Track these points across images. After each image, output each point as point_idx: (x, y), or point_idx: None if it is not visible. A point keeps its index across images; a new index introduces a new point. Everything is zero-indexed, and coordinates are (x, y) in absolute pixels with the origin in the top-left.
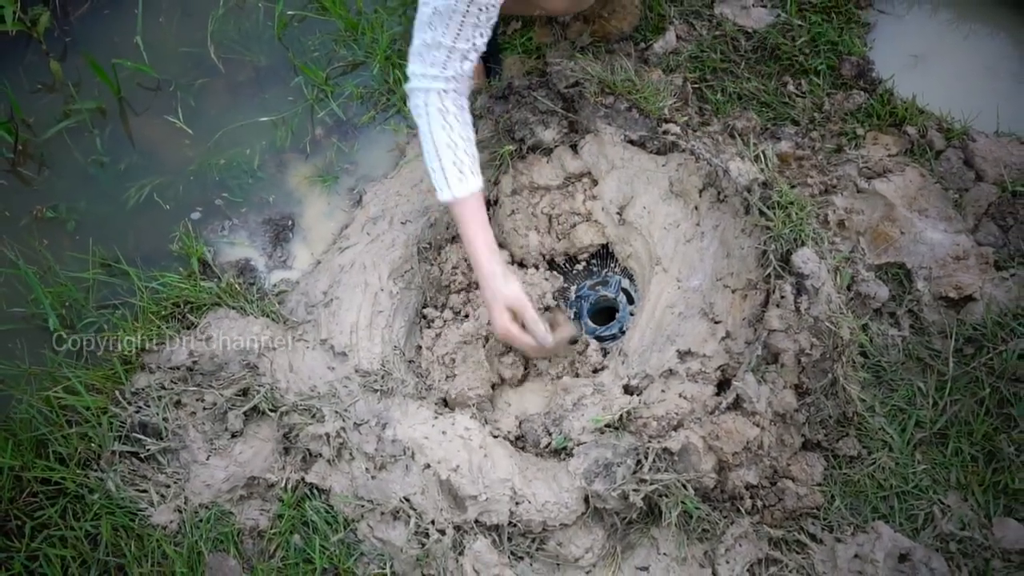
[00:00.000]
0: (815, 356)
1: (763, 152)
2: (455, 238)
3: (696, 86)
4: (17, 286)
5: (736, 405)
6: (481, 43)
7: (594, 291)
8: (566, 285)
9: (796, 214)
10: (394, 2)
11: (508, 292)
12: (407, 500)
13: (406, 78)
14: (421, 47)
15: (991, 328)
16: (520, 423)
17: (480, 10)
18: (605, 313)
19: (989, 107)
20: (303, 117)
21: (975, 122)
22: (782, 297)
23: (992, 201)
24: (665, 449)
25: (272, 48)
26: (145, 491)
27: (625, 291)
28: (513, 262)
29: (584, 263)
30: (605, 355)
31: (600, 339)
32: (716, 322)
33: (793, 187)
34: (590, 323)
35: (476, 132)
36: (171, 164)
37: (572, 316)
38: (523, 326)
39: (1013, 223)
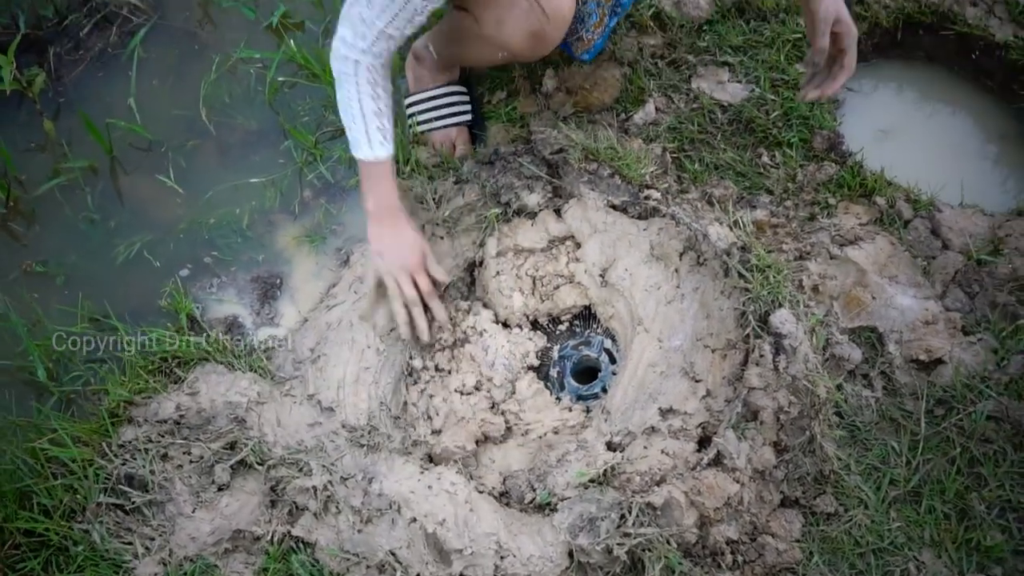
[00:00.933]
0: (793, 414)
1: (740, 218)
2: (451, 285)
3: (675, 156)
4: (5, 338)
5: (717, 461)
6: (408, 33)
7: (577, 351)
8: (549, 345)
9: (773, 277)
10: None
11: (421, 235)
12: (393, 554)
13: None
14: (356, 19)
15: (960, 390)
16: (504, 479)
17: (414, 11)
18: (587, 373)
19: (953, 181)
20: (292, 179)
21: (941, 194)
22: (761, 356)
23: (959, 268)
24: (648, 504)
25: (263, 112)
26: (130, 543)
27: (607, 351)
28: (497, 322)
29: (567, 324)
30: (588, 413)
31: (582, 398)
32: (697, 381)
33: (769, 252)
34: (573, 383)
35: (463, 195)
36: (161, 222)
37: (556, 375)
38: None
39: (979, 290)
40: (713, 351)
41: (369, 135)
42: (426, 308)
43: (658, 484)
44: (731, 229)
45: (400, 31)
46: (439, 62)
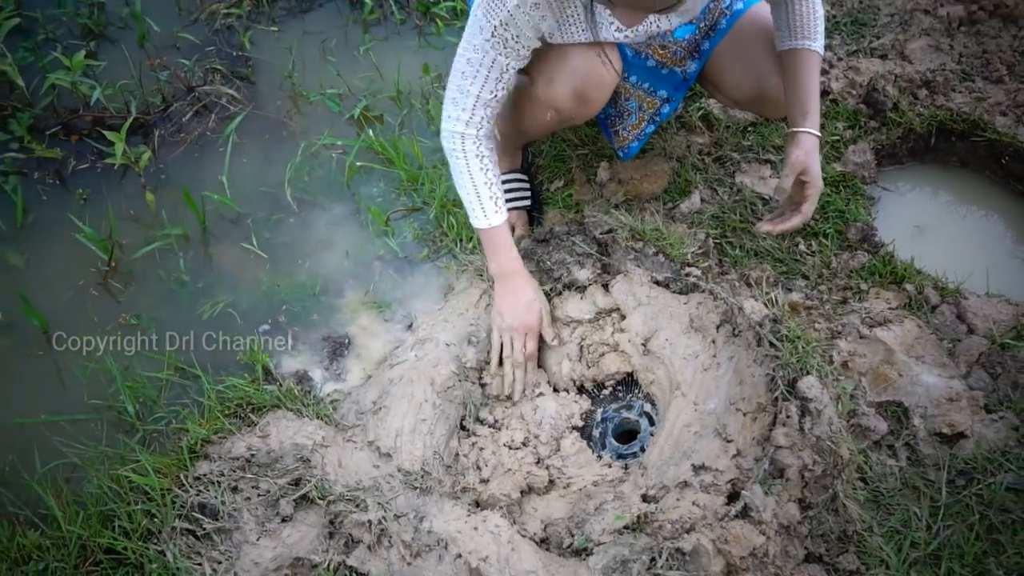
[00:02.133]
0: (817, 472)
1: (774, 296)
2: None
3: (717, 241)
4: (101, 379)
5: (744, 513)
6: (501, 96)
7: (618, 414)
8: (593, 408)
9: (802, 347)
10: None
11: (540, 294)
12: None
13: (441, 124)
14: (455, 93)
15: (981, 463)
16: (545, 526)
17: (500, 69)
18: (628, 434)
19: (980, 272)
20: (364, 252)
21: (967, 283)
22: (788, 417)
23: (983, 351)
24: (678, 549)
25: (340, 192)
26: (199, 564)
27: (647, 414)
28: (548, 383)
29: (610, 388)
30: (626, 469)
31: (622, 456)
32: (728, 441)
33: (799, 327)
34: (614, 442)
35: None
36: (244, 285)
37: (598, 435)
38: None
39: (1001, 371)
40: (744, 414)
41: (483, 205)
42: None
43: (688, 532)
44: (765, 305)
45: (493, 94)
46: (503, 144)
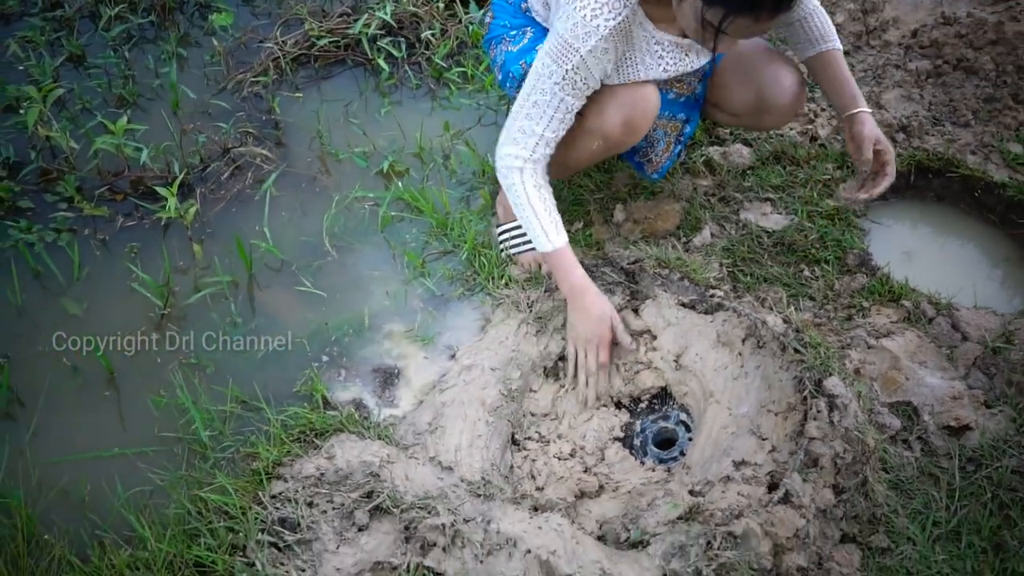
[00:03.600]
0: (848, 459)
1: (791, 312)
2: (545, 371)
3: (730, 270)
4: (172, 412)
5: (786, 499)
6: (561, 133)
7: (656, 424)
8: (631, 420)
9: (823, 351)
10: (476, 205)
11: (609, 306)
12: None
13: (496, 158)
14: (517, 132)
15: (987, 450)
16: (601, 525)
17: (567, 109)
18: (666, 442)
19: (967, 289)
20: (403, 292)
21: (957, 298)
22: (818, 412)
23: (978, 355)
24: (730, 533)
25: (376, 239)
26: (287, 572)
27: (683, 423)
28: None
29: (647, 402)
30: (669, 472)
31: (663, 461)
32: (763, 439)
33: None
34: (654, 449)
35: (552, 299)
36: (293, 325)
37: (639, 444)
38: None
39: (996, 372)
40: (776, 414)
41: (546, 230)
42: None
43: (736, 518)
44: (784, 321)
45: (556, 132)
46: None
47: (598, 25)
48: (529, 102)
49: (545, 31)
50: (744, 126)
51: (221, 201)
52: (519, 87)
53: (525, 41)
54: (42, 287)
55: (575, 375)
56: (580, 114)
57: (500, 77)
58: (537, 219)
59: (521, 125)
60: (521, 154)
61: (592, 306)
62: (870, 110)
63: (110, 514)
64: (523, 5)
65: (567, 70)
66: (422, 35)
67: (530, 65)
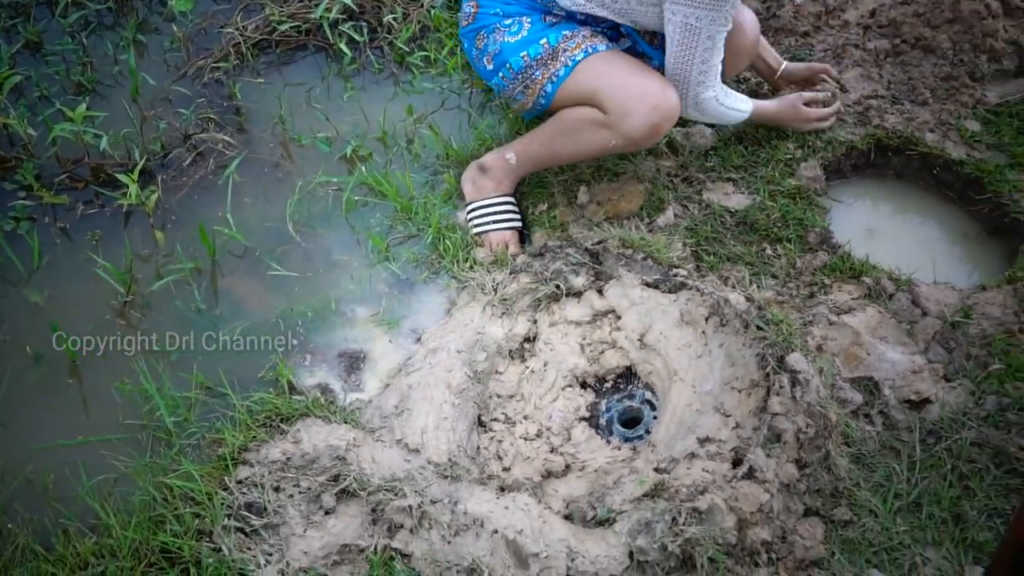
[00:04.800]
0: (810, 434)
1: (754, 290)
2: (511, 353)
3: (693, 249)
4: (136, 399)
5: (750, 474)
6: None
7: (621, 403)
8: (597, 400)
9: (786, 328)
10: (441, 189)
11: (791, 98)
12: (479, 560)
13: (692, 106)
14: (702, 74)
15: (947, 423)
16: (567, 504)
17: (721, 41)
18: (632, 421)
19: (926, 265)
20: (368, 277)
21: (917, 274)
22: (780, 388)
23: (937, 330)
24: (695, 509)
25: (340, 224)
26: (254, 556)
27: (648, 402)
28: (554, 383)
29: (611, 382)
30: (635, 450)
31: (628, 440)
32: (727, 415)
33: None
34: (620, 428)
35: (517, 281)
36: (258, 311)
37: (605, 423)
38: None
39: (955, 346)
40: (739, 391)
41: (742, 109)
42: None
43: (701, 494)
44: (746, 299)
45: (722, 52)
46: (524, 166)
47: None
48: (700, 50)
49: (544, 15)
50: None
51: (183, 188)
52: (515, 79)
53: (525, 32)
54: (1, 276)
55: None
56: (600, 109)
57: (491, 67)
58: (735, 110)
59: (703, 66)
60: (713, 84)
61: (787, 112)
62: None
63: (74, 502)
64: None
65: (727, 10)
66: (384, 19)
67: (533, 58)
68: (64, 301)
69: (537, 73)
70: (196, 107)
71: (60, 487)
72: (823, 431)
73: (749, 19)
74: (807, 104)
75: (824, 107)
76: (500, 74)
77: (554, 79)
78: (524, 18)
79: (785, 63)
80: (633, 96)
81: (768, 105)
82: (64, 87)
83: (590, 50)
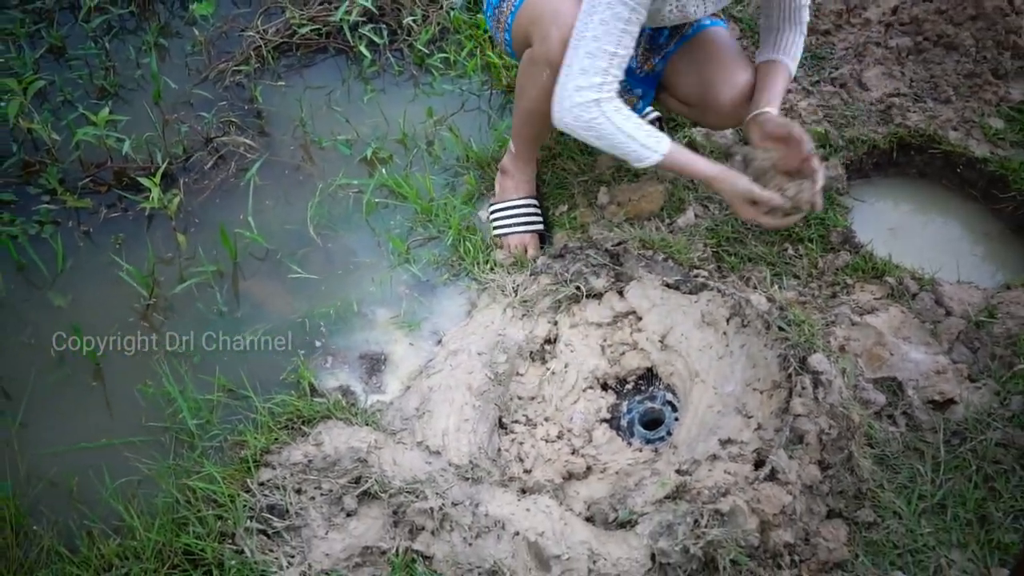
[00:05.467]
0: (833, 435)
1: (776, 290)
2: (532, 355)
3: (714, 250)
4: (159, 402)
5: (772, 476)
6: (631, 49)
7: (643, 404)
8: (618, 402)
9: (808, 328)
10: (461, 191)
11: (740, 184)
12: (500, 562)
13: (562, 107)
14: (585, 63)
15: (972, 423)
16: (589, 506)
17: (628, 23)
18: (653, 422)
19: (949, 264)
20: (389, 278)
21: (940, 274)
22: (803, 389)
23: (961, 330)
24: (716, 511)
25: (360, 226)
26: (276, 558)
27: (669, 403)
28: (574, 384)
29: (632, 383)
30: (656, 452)
31: (650, 442)
32: (749, 417)
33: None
34: (641, 430)
35: (538, 283)
36: (279, 313)
37: (626, 424)
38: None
39: (979, 346)
40: (761, 392)
41: (645, 144)
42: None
43: (723, 495)
44: (768, 300)
45: (627, 49)
46: (523, 155)
47: None
48: (589, 36)
49: None
50: (692, 119)
51: (205, 191)
52: (493, 15)
53: None
54: (26, 279)
55: (780, 217)
56: (529, 46)
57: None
58: (632, 138)
59: (589, 53)
60: (594, 82)
61: (725, 192)
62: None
63: (99, 504)
64: None
65: None
66: (404, 22)
67: None
68: (87, 304)
69: (504, 5)
70: (217, 110)
71: (84, 489)
72: (846, 432)
73: (737, 82)
74: (756, 203)
75: (785, 215)
76: (488, 14)
77: (512, 8)
78: None
79: (768, 109)
80: (547, 17)
81: (705, 167)
82: (87, 91)
83: None
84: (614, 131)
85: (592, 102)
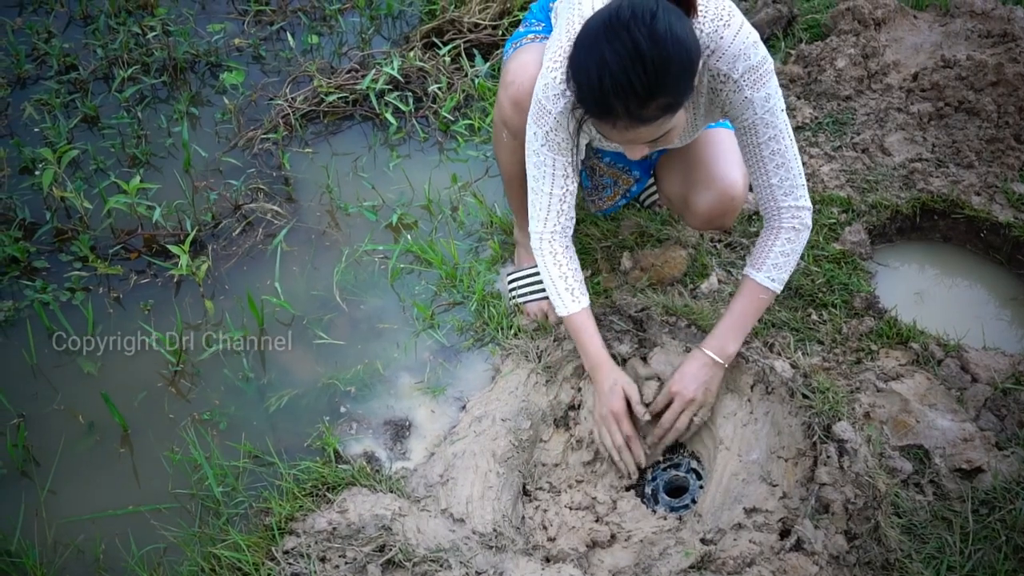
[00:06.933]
0: (859, 504)
1: (799, 357)
2: (556, 421)
3: None
4: (186, 468)
5: (798, 546)
6: (573, 188)
7: (667, 472)
8: (643, 469)
9: (832, 396)
10: (485, 256)
11: (621, 377)
12: None
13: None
14: (533, 197)
15: (1000, 492)
16: (613, 575)
17: (564, 167)
18: (678, 490)
19: (975, 330)
20: (414, 343)
21: (966, 339)
22: (828, 458)
23: (988, 396)
24: None
25: (385, 292)
26: None
27: (694, 471)
28: (596, 455)
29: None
30: (680, 520)
31: (674, 509)
32: (774, 485)
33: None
34: (666, 497)
35: (563, 347)
36: (305, 379)
37: (651, 492)
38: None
39: (1007, 413)
40: (786, 460)
41: (561, 296)
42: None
43: (748, 566)
44: (791, 366)
45: (563, 188)
46: (519, 225)
47: (564, 89)
48: (531, 170)
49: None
50: (677, 215)
51: (233, 257)
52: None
53: (528, 27)
54: (57, 346)
55: (609, 457)
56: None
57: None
58: (553, 285)
59: (532, 189)
60: (539, 216)
61: (603, 381)
62: (716, 358)
63: (124, 572)
64: (551, 4)
65: (546, 132)
66: (429, 89)
67: (510, 41)
68: (116, 370)
69: (506, 54)
70: (246, 177)
71: (110, 556)
72: (872, 501)
73: (721, 190)
74: (616, 414)
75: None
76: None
77: (504, 56)
78: (541, 23)
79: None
80: (506, 78)
81: (594, 351)
82: (119, 160)
83: (529, 33)
84: (544, 271)
85: (537, 236)
